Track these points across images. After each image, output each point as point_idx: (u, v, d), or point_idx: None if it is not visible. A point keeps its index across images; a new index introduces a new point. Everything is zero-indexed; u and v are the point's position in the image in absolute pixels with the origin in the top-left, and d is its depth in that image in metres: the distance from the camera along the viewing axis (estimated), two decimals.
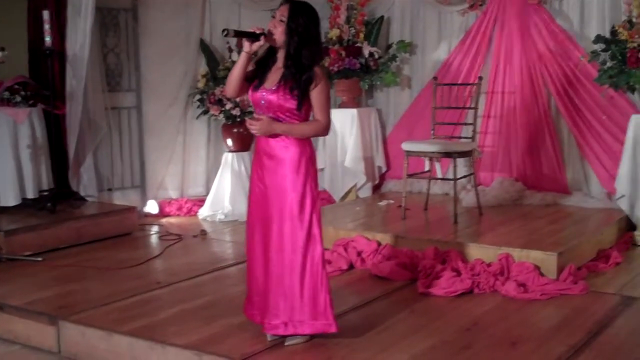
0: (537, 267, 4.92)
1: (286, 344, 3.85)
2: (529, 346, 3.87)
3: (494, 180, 7.08)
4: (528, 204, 6.78)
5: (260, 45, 3.72)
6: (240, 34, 3.77)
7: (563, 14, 6.95)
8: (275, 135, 3.75)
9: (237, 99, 7.15)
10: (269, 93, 3.74)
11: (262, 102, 3.76)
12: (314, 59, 3.74)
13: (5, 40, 6.59)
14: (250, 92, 3.83)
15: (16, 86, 6.74)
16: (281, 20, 3.71)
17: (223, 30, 3.70)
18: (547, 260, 4.95)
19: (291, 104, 3.71)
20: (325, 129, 3.83)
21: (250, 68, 3.82)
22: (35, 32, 7.16)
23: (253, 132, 3.75)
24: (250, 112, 7.29)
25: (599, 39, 6.31)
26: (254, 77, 3.83)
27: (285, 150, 3.76)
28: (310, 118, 3.83)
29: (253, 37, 3.70)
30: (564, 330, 4.11)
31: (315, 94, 3.73)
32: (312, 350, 3.83)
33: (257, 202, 3.87)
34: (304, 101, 3.72)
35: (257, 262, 3.89)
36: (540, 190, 6.91)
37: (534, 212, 6.47)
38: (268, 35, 3.71)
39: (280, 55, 3.79)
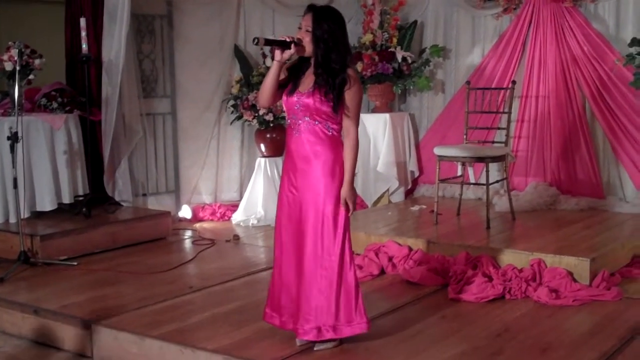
0: (569, 273, 4.86)
1: (315, 348, 3.85)
2: (560, 353, 3.83)
3: (528, 185, 7.02)
4: (562, 209, 6.72)
5: (291, 53, 3.72)
6: (270, 43, 3.76)
7: (598, 17, 6.89)
8: (309, 138, 3.76)
9: None
10: (305, 97, 3.75)
11: (297, 106, 3.77)
12: (344, 62, 3.74)
13: (43, 47, 6.73)
14: (284, 97, 3.84)
15: (53, 93, 6.83)
16: (307, 31, 3.72)
17: (254, 39, 3.70)
18: (579, 265, 4.90)
19: (327, 107, 3.72)
20: (357, 139, 3.85)
21: (282, 76, 3.83)
22: (72, 39, 7.27)
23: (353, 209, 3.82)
24: (284, 118, 7.33)
25: (634, 42, 6.26)
26: (287, 83, 3.85)
27: (319, 154, 3.77)
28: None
29: (284, 45, 3.70)
30: (596, 336, 4.07)
31: (350, 96, 3.74)
32: (342, 355, 3.83)
33: (288, 207, 3.89)
34: (339, 103, 3.74)
35: (289, 268, 3.90)
36: (575, 195, 6.84)
37: (567, 217, 6.41)
38: (298, 44, 3.72)
39: (313, 62, 3.80)
